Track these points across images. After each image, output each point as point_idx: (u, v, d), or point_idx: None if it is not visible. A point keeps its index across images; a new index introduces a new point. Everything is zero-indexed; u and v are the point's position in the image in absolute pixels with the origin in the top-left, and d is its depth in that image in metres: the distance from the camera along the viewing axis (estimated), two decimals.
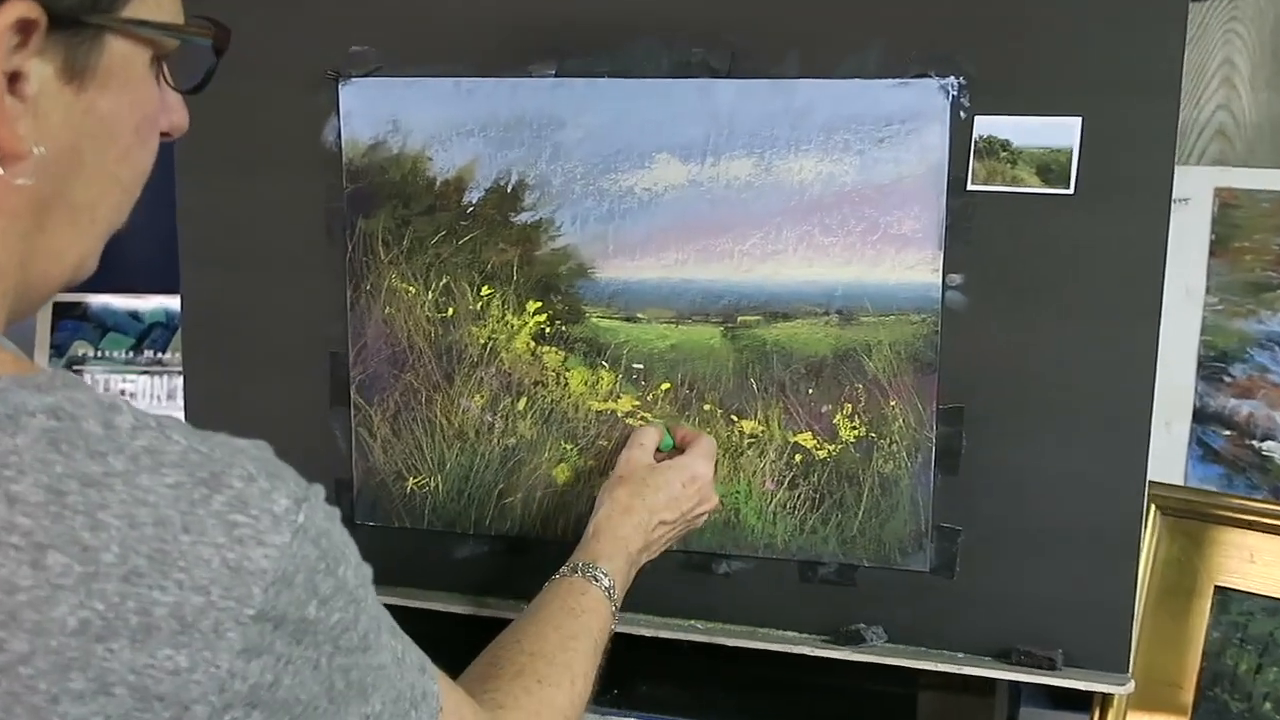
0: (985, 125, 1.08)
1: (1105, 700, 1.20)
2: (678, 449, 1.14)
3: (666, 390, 1.19)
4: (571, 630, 0.95)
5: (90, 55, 0.60)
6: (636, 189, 1.17)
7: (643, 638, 1.19)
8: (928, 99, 1.09)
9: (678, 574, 1.20)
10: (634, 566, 1.05)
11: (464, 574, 1.26)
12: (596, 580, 1.00)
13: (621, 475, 1.10)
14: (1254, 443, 1.30)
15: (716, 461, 1.15)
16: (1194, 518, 1.24)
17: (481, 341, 1.23)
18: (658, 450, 1.14)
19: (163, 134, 0.67)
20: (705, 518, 1.12)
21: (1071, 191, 1.07)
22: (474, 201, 1.21)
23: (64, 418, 0.55)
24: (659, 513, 1.07)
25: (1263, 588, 1.20)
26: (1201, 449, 1.31)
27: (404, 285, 1.24)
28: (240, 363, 1.30)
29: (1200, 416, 1.31)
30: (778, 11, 1.11)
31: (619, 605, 1.01)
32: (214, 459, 0.57)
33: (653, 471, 1.10)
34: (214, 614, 0.54)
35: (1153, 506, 1.23)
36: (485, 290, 1.22)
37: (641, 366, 1.19)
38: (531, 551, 1.23)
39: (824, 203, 1.13)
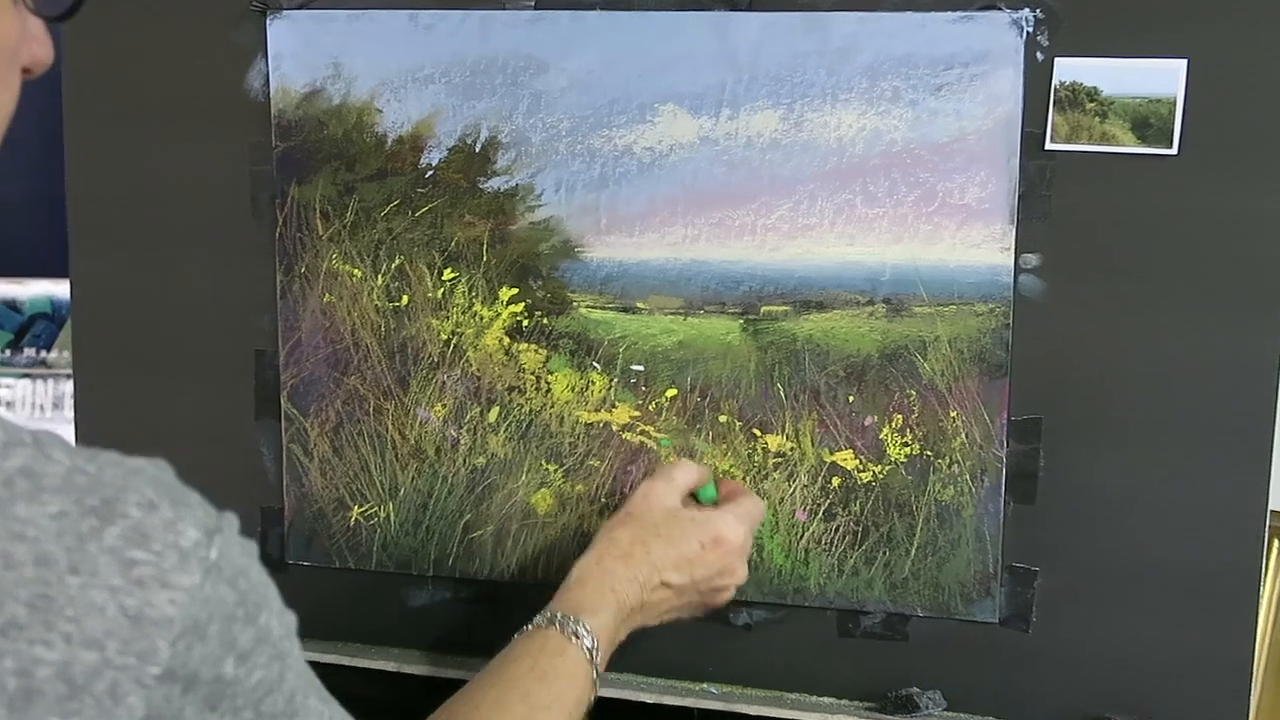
0: (1068, 69, 1.08)
1: None
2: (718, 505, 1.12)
3: (672, 398, 1.19)
4: (541, 699, 0.95)
5: None
6: (635, 148, 1.17)
7: (644, 705, 1.19)
8: (996, 37, 1.09)
9: (687, 626, 1.20)
10: (623, 627, 1.05)
11: (421, 626, 1.26)
12: (577, 638, 0.99)
13: (630, 512, 1.09)
14: None
15: (760, 535, 1.15)
16: None
17: (444, 337, 1.23)
18: (693, 498, 1.12)
19: (24, 70, 0.67)
20: (728, 594, 1.11)
21: (1175, 151, 1.07)
22: (434, 164, 1.21)
23: None
24: (664, 570, 1.05)
25: None
26: None
27: (347, 268, 1.24)
28: (143, 364, 1.31)
29: None
30: None
31: (602, 670, 1.01)
32: (105, 482, 0.57)
33: (670, 518, 1.08)
34: (110, 674, 0.54)
35: (1275, 541, 1.24)
36: (448, 274, 1.22)
37: (642, 368, 1.20)
38: (504, 598, 1.24)
39: (868, 165, 1.13)
